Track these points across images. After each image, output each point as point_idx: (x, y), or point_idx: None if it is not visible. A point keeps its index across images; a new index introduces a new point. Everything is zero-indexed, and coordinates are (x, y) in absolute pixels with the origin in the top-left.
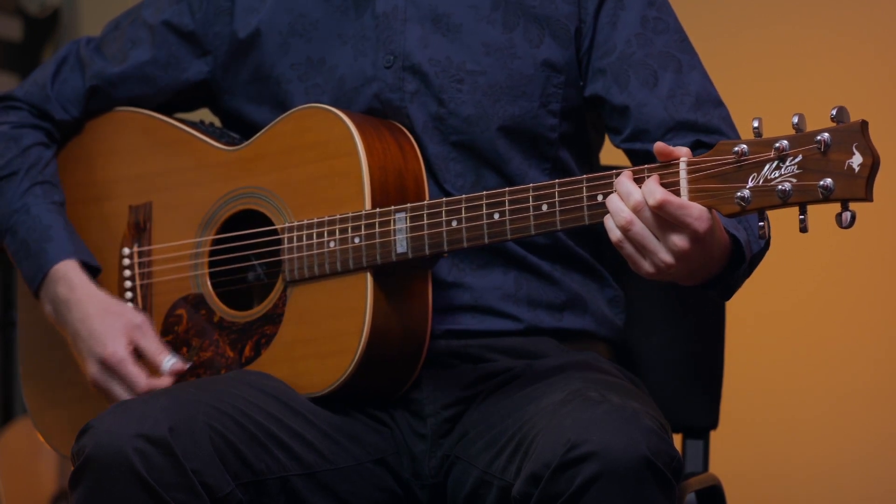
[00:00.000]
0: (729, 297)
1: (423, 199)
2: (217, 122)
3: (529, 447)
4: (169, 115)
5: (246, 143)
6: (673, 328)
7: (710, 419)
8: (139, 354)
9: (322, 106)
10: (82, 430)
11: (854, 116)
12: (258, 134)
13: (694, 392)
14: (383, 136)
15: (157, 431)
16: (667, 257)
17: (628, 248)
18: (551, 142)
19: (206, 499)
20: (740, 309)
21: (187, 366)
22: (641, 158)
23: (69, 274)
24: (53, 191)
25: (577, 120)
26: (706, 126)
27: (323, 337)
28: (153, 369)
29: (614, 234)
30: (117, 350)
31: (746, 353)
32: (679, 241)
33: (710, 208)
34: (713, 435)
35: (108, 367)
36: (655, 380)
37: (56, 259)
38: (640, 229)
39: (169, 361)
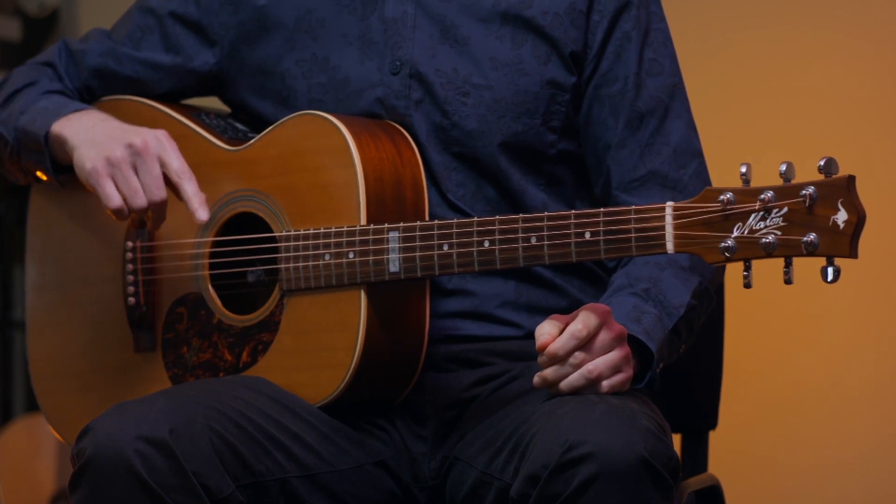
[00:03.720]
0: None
1: (423, 207)
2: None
3: (527, 448)
4: (175, 102)
5: (247, 143)
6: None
7: (710, 419)
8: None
9: (320, 113)
10: (82, 431)
11: (854, 117)
12: (259, 136)
13: (693, 392)
14: (381, 142)
15: (157, 433)
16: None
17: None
18: (548, 158)
19: (206, 500)
20: (740, 309)
21: None
22: (601, 188)
23: (94, 108)
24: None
25: (577, 138)
26: (675, 182)
27: (317, 349)
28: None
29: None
30: (158, 135)
31: (746, 353)
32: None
33: (697, 255)
34: (712, 435)
35: (139, 151)
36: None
37: (81, 107)
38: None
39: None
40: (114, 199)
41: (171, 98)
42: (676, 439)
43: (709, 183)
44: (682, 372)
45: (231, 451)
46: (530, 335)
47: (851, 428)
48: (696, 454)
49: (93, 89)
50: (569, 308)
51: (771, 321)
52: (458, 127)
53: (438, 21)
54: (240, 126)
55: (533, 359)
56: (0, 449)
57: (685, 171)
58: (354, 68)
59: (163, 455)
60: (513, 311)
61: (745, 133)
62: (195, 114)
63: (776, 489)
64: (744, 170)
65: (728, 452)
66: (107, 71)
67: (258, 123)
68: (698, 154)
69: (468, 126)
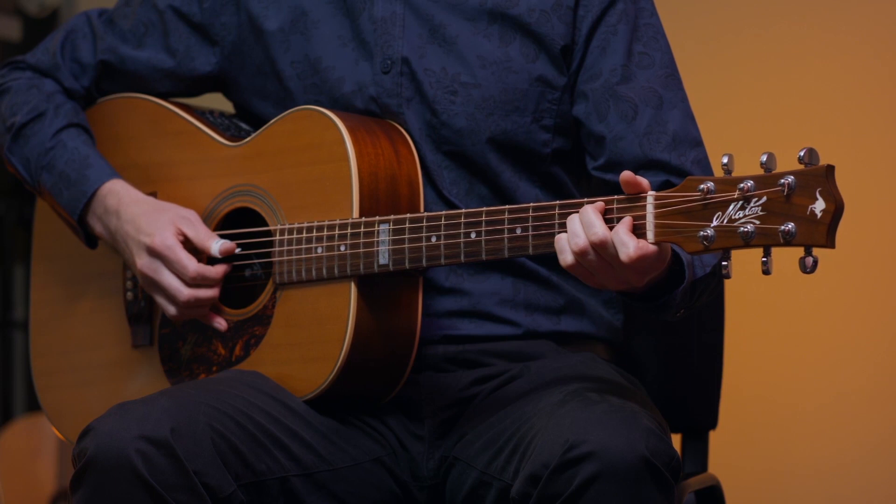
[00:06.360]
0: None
1: (418, 204)
2: (230, 109)
3: (528, 447)
4: (177, 100)
5: (247, 139)
6: (672, 328)
7: (710, 419)
8: (189, 245)
9: (317, 108)
10: (83, 431)
11: (853, 116)
12: (258, 131)
13: (693, 392)
14: (378, 139)
15: (158, 433)
16: (610, 284)
17: (578, 270)
18: (543, 157)
19: (207, 500)
20: (740, 309)
21: (235, 246)
22: (612, 188)
23: (115, 187)
24: (86, 133)
25: (572, 136)
26: (678, 168)
27: (308, 342)
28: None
29: (566, 256)
30: (165, 237)
31: (746, 353)
32: (632, 276)
33: (676, 244)
34: (712, 435)
35: (157, 254)
36: (655, 380)
37: (99, 180)
38: (595, 259)
39: (217, 244)
40: (168, 311)
41: (176, 96)
42: (676, 439)
43: (710, 172)
44: (683, 371)
45: (232, 450)
46: (529, 334)
47: (851, 428)
48: (696, 454)
49: (100, 85)
50: (565, 305)
51: (771, 321)
52: (448, 126)
53: (427, 20)
54: (244, 125)
55: (531, 359)
56: (0, 449)
57: (686, 158)
58: (349, 69)
59: (164, 454)
60: (511, 308)
61: (745, 133)
62: (199, 112)
63: (776, 489)
64: (725, 160)
65: (728, 452)
66: (111, 69)
67: (260, 125)
68: (698, 143)
69: (457, 125)
